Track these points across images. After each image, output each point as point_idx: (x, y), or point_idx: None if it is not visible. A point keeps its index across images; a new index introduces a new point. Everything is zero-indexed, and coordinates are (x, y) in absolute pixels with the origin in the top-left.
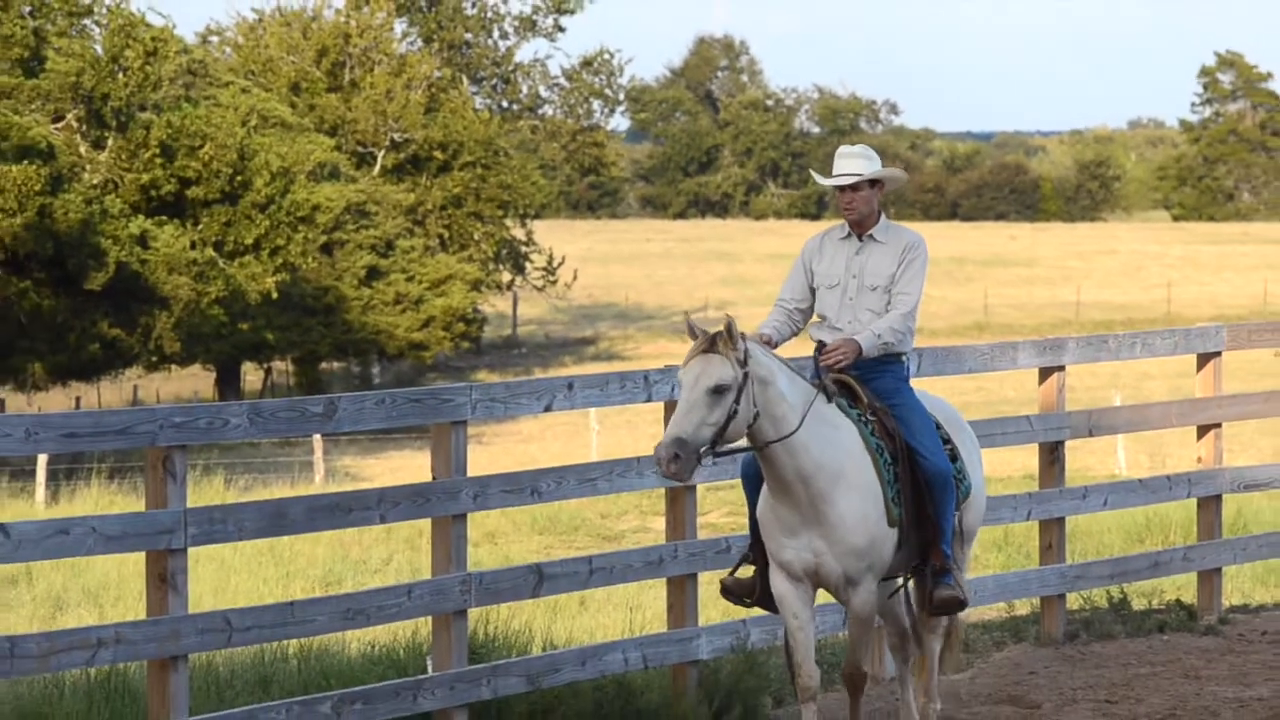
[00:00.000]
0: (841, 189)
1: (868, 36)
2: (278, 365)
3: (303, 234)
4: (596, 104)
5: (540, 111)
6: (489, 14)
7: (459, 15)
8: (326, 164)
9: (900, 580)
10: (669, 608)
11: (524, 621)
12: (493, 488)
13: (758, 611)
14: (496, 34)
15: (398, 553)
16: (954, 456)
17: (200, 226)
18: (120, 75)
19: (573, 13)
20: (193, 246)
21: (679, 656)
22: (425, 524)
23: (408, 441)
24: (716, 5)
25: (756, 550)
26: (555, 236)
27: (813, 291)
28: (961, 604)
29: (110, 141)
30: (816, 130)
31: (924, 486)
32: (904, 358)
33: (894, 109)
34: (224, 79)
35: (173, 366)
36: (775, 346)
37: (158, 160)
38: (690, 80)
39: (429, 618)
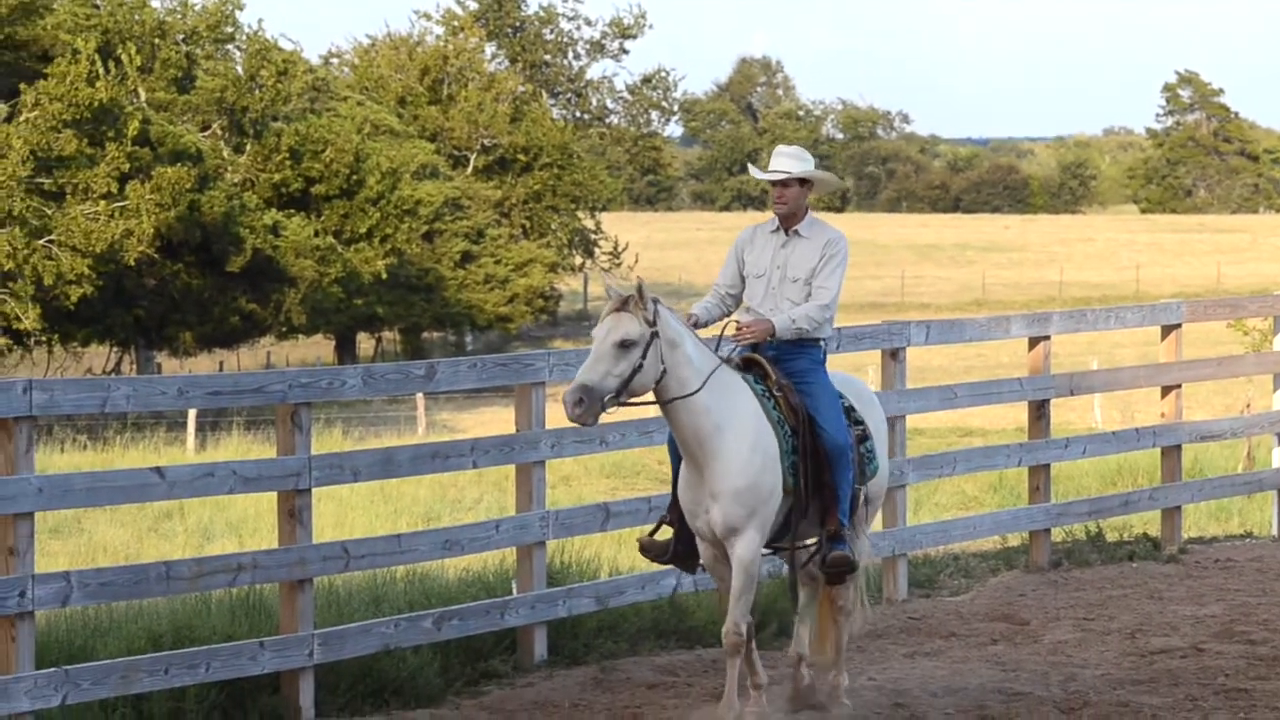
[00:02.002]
0: (774, 184)
1: (884, 56)
2: (387, 335)
3: (408, 224)
4: (654, 114)
5: (607, 121)
6: (565, 38)
7: (539, 40)
8: (428, 165)
9: (811, 542)
10: None
11: (594, 552)
12: (567, 438)
13: None
14: (571, 55)
15: (487, 493)
16: (865, 436)
17: (322, 218)
18: (257, 91)
19: (635, 37)
20: (316, 235)
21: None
22: (510, 469)
23: (495, 399)
24: (756, 31)
25: (674, 514)
26: (619, 226)
27: (744, 279)
28: (852, 565)
29: (248, 147)
30: (840, 137)
31: (824, 458)
32: (821, 343)
33: (906, 118)
34: (342, 94)
35: (299, 336)
36: (702, 326)
37: (287, 163)
38: (734, 94)
39: (514, 548)
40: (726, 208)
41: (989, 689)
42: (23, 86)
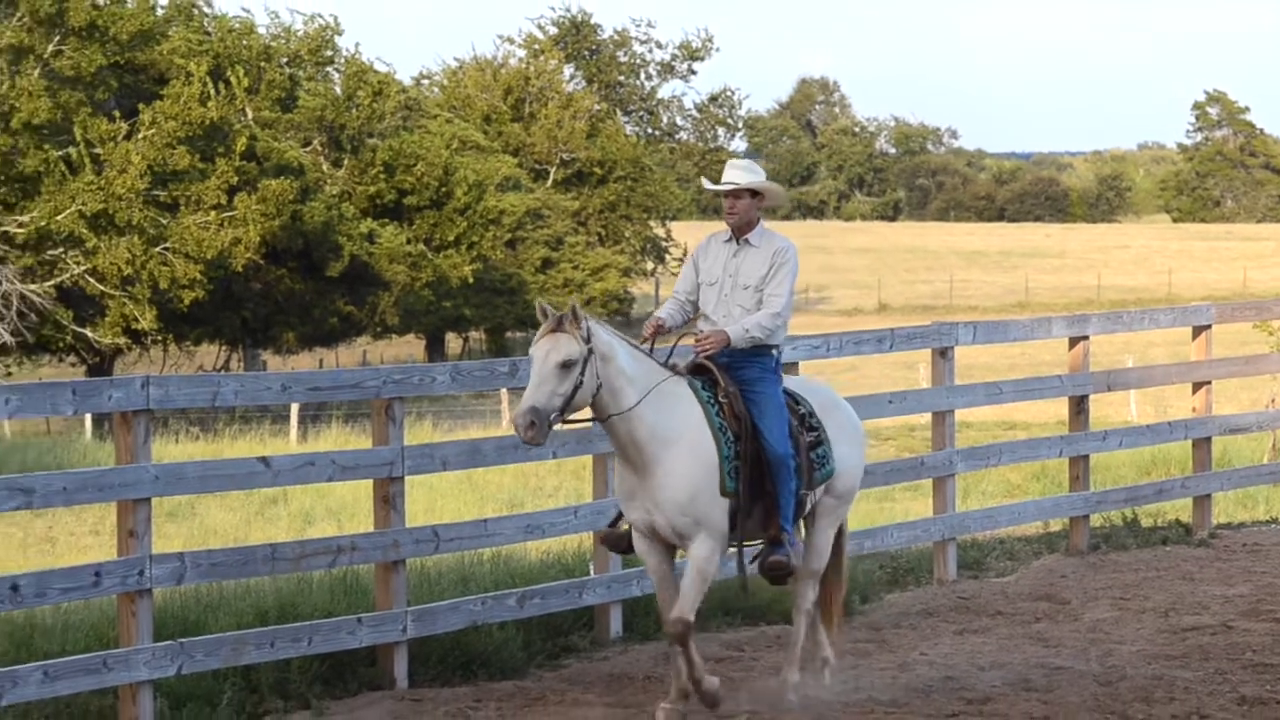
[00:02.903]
0: (725, 195)
1: (934, 76)
2: (473, 334)
3: (492, 232)
4: (720, 131)
5: (677, 136)
6: (637, 60)
7: (614, 61)
8: (511, 178)
9: (761, 545)
10: None
11: None
12: None
13: (851, 525)
14: (643, 76)
15: (565, 482)
16: (818, 442)
17: (414, 226)
18: (354, 110)
19: (702, 59)
20: (408, 242)
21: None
22: (587, 459)
23: None
24: (815, 53)
25: None
26: (688, 234)
27: (699, 286)
28: (790, 570)
29: (346, 161)
30: (893, 151)
31: (765, 465)
32: (773, 351)
33: (954, 134)
34: (432, 112)
35: (392, 335)
36: (668, 330)
37: (382, 176)
38: (794, 112)
39: (590, 532)
40: (787, 217)
41: (1032, 663)
42: (141, 106)
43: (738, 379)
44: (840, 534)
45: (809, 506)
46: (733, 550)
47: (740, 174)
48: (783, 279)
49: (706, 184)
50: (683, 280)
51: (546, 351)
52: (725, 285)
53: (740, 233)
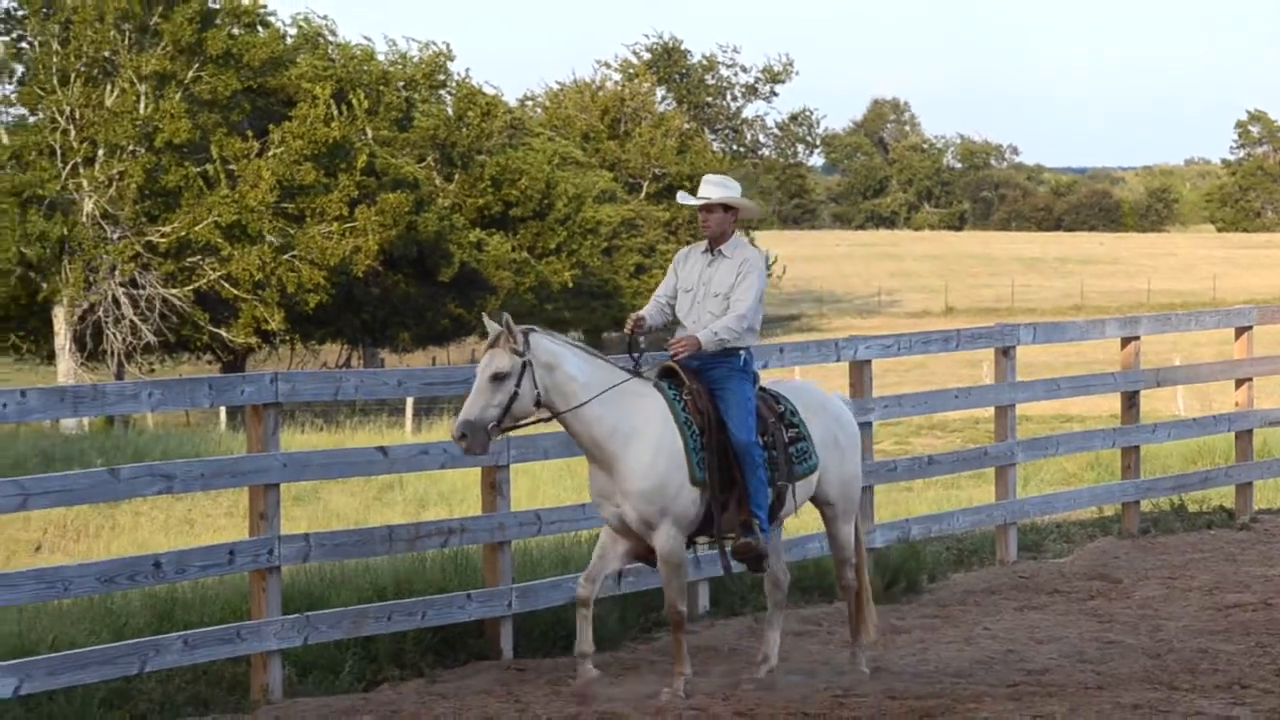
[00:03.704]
0: (700, 209)
1: (996, 97)
2: (572, 335)
3: (590, 241)
4: (800, 147)
5: (759, 153)
6: (724, 83)
7: (702, 84)
8: (607, 191)
9: (737, 534)
10: None
11: None
12: None
13: (920, 510)
14: (729, 97)
15: None
16: (798, 438)
17: (518, 236)
18: (464, 130)
19: (783, 81)
20: (513, 250)
21: None
22: None
23: None
24: (887, 76)
25: None
26: (769, 242)
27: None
28: (759, 554)
29: (456, 176)
30: (959, 166)
31: (731, 455)
32: (741, 352)
33: (1015, 150)
34: (536, 131)
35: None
36: (649, 327)
37: (489, 189)
38: (867, 130)
39: None
40: (861, 227)
41: (1087, 637)
42: (272, 127)
43: (706, 378)
44: (857, 524)
45: (792, 501)
46: (704, 542)
47: (714, 189)
48: (748, 286)
49: (682, 198)
50: (664, 284)
51: (483, 367)
52: (698, 293)
53: (715, 244)
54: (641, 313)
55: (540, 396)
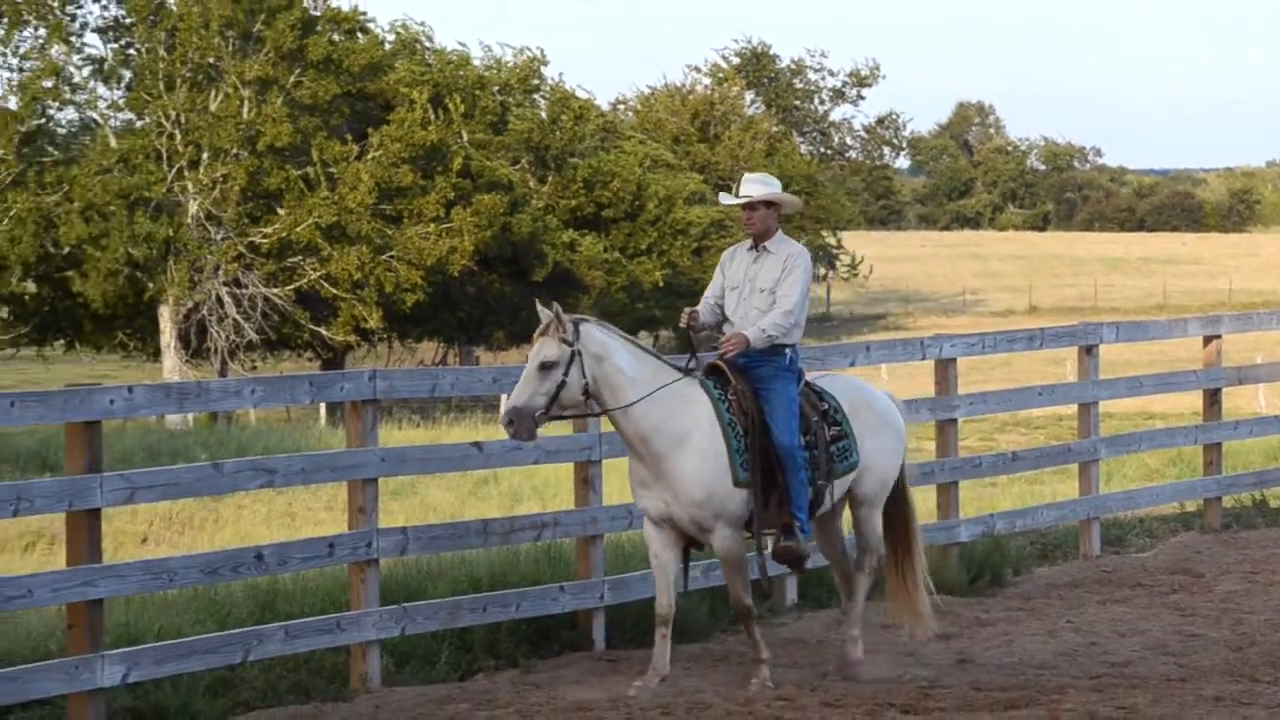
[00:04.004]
0: (743, 208)
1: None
2: (663, 334)
3: (680, 242)
4: (886, 150)
5: (847, 155)
6: (812, 87)
7: (790, 88)
8: (697, 193)
9: (778, 536)
10: (938, 505)
11: None
12: None
13: (1004, 505)
14: (817, 101)
15: None
16: (841, 436)
17: (610, 236)
18: (557, 132)
19: (870, 85)
20: (605, 251)
21: (945, 539)
22: None
23: None
24: (972, 80)
25: None
26: (856, 243)
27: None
28: (799, 556)
29: (550, 178)
30: (1042, 168)
31: (774, 458)
32: (787, 350)
33: (1098, 152)
34: (627, 134)
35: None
36: (701, 325)
37: (582, 191)
38: (953, 132)
39: None
40: (947, 228)
41: (1169, 630)
42: (370, 130)
43: (752, 377)
44: (910, 518)
45: (830, 498)
46: (750, 539)
47: (756, 187)
48: (794, 281)
49: (724, 198)
50: (713, 284)
51: (533, 355)
52: (744, 289)
53: (759, 241)
54: (695, 309)
55: (588, 386)
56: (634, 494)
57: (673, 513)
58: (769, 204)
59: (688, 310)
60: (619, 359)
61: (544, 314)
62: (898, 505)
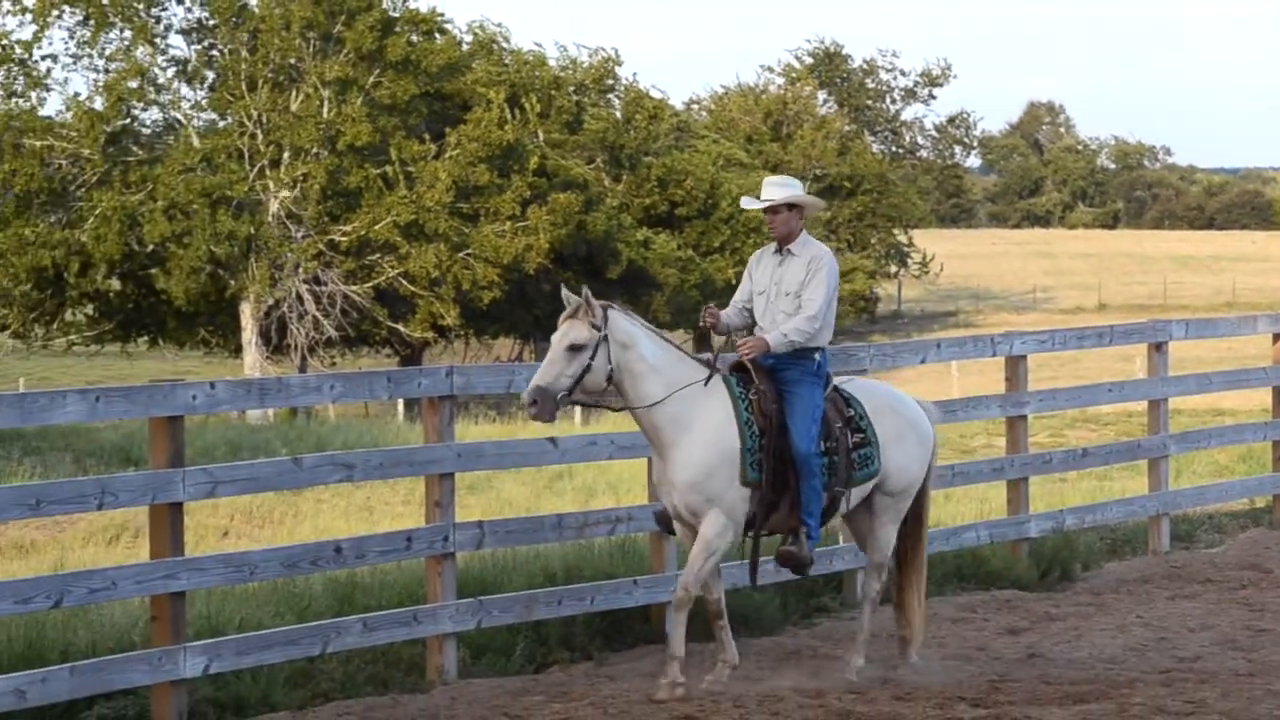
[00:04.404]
0: (765, 212)
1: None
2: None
3: (753, 240)
4: (957, 149)
5: (918, 154)
6: (883, 87)
7: (862, 88)
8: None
9: (784, 539)
10: (1008, 501)
11: None
12: None
13: (1074, 501)
14: (888, 100)
15: None
16: (864, 444)
17: (684, 234)
18: (631, 132)
19: (941, 85)
20: (678, 248)
21: (1015, 535)
22: None
23: None
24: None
25: None
26: (927, 241)
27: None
28: (801, 562)
29: (624, 177)
30: (1112, 166)
31: (789, 462)
32: (815, 354)
33: (1168, 151)
34: (701, 133)
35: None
36: (724, 328)
37: (656, 190)
38: (1023, 132)
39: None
40: (1017, 226)
41: (1238, 625)
42: (448, 130)
43: (778, 379)
44: (921, 528)
45: (845, 505)
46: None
47: (777, 190)
48: (818, 284)
49: (745, 202)
50: (741, 288)
51: (560, 336)
52: (770, 293)
53: (784, 244)
54: (722, 312)
55: (612, 373)
56: (657, 491)
57: (673, 500)
58: (791, 206)
59: (708, 309)
60: (643, 348)
61: (571, 298)
62: (913, 511)
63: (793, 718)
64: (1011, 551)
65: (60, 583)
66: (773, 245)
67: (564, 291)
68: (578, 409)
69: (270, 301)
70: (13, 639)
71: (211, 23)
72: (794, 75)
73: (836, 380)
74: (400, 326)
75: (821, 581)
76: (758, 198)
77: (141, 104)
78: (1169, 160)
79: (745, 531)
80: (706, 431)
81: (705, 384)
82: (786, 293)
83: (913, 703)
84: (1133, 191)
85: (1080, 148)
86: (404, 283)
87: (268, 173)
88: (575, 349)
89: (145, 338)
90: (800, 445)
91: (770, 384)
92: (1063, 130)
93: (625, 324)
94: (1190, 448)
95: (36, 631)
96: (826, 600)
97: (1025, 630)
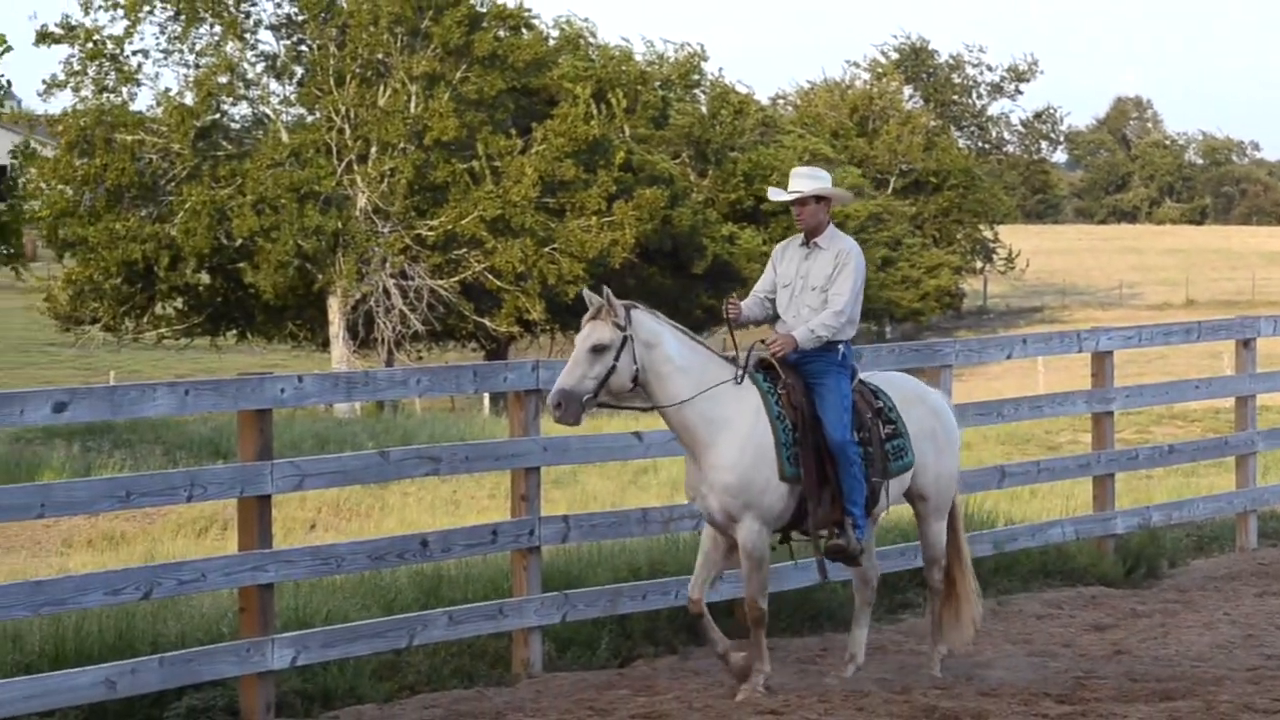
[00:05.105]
0: (793, 204)
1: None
2: None
3: None
4: (1044, 144)
5: (1004, 149)
6: (970, 82)
7: (949, 83)
8: (855, 186)
9: (826, 533)
10: (1094, 497)
11: (991, 505)
12: (969, 411)
13: (1160, 498)
14: (975, 95)
15: None
16: (895, 435)
17: (769, 229)
18: (717, 127)
19: (1028, 80)
20: (764, 243)
21: (1101, 531)
22: None
23: None
24: (1130, 75)
25: None
26: (1013, 236)
27: (776, 288)
28: (851, 554)
29: (710, 172)
30: (1200, 162)
31: (825, 453)
32: (840, 346)
33: (1256, 146)
34: (786, 128)
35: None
36: (745, 320)
37: (741, 184)
38: (1110, 127)
39: None
40: (1104, 222)
41: None
42: (534, 125)
43: (804, 372)
44: (955, 527)
45: (886, 497)
46: (807, 540)
47: (805, 182)
48: (845, 278)
49: (773, 193)
50: (763, 279)
51: (583, 338)
52: (796, 286)
53: (811, 237)
54: (742, 303)
55: (638, 374)
56: (689, 493)
57: (706, 502)
58: (820, 199)
59: (729, 300)
60: (669, 348)
61: (592, 299)
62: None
63: (878, 713)
64: (1097, 548)
65: (150, 574)
66: (798, 238)
67: (585, 293)
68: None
69: (357, 296)
70: (103, 630)
71: (300, 18)
72: (880, 70)
73: (861, 374)
74: (486, 321)
75: (906, 577)
76: (786, 189)
77: (231, 99)
78: (1257, 155)
79: (789, 530)
80: (740, 430)
81: (739, 381)
82: (813, 287)
83: (998, 699)
84: (1220, 187)
85: (1168, 143)
86: (490, 277)
87: (355, 167)
88: (599, 350)
89: (234, 331)
90: (834, 434)
91: (797, 377)
92: (1150, 125)
93: (650, 323)
94: (1278, 444)
95: (127, 623)
96: (911, 595)
97: (1111, 627)
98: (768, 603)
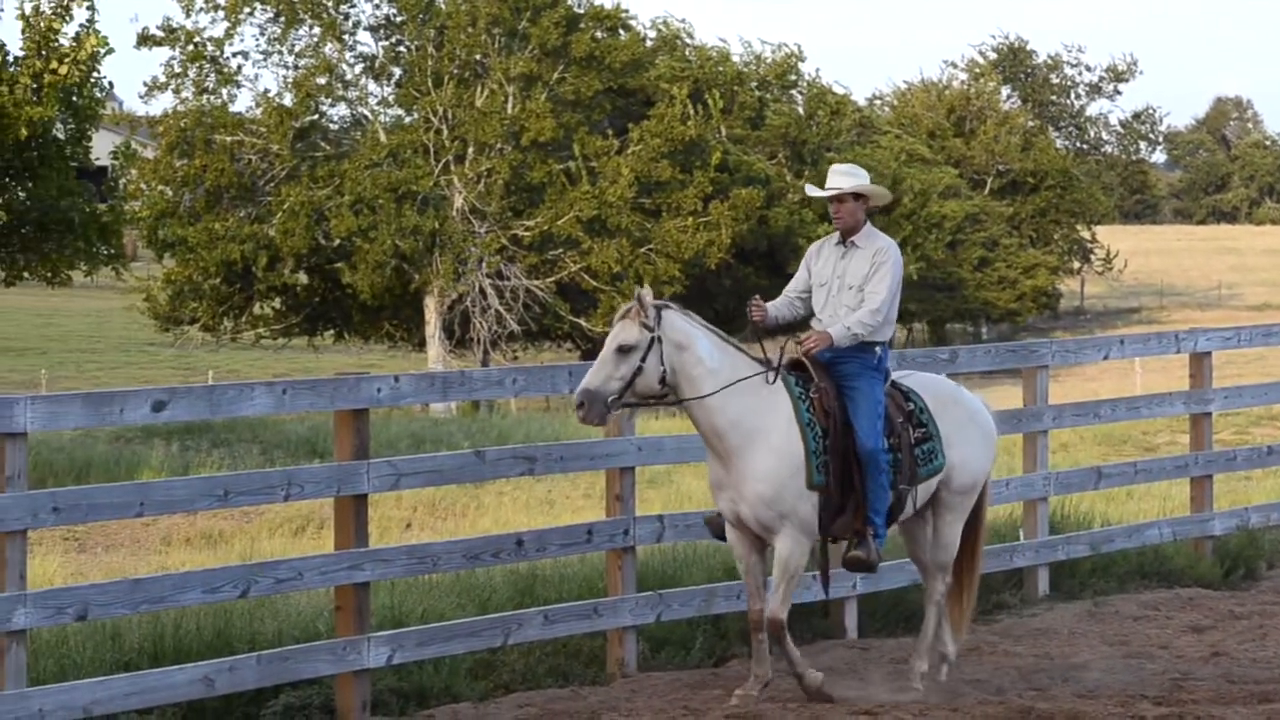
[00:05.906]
0: (830, 201)
1: None
2: (915, 326)
3: (935, 235)
4: (1142, 145)
5: (1102, 150)
6: (1068, 82)
7: (1047, 83)
8: (952, 187)
9: (850, 543)
10: (1191, 498)
11: (1088, 506)
12: (1066, 412)
13: (1259, 499)
14: (1073, 95)
15: (999, 457)
16: (925, 439)
17: None
18: (814, 128)
19: (1127, 80)
20: None
21: (1199, 532)
22: (1018, 437)
23: (1005, 380)
24: (1230, 75)
25: None
26: (1111, 237)
27: (811, 287)
28: (870, 565)
29: (806, 173)
30: None
31: (854, 460)
32: (876, 347)
33: None
34: (883, 129)
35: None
36: (771, 321)
37: None
38: (1210, 127)
39: (1020, 502)
40: (1203, 222)
41: None
42: (631, 126)
43: (837, 374)
44: (978, 531)
45: (912, 504)
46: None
47: (843, 179)
48: (882, 277)
49: (810, 190)
50: (795, 279)
51: (611, 337)
52: (833, 286)
53: (848, 235)
54: (769, 305)
55: (666, 375)
56: (712, 495)
57: (740, 511)
58: (858, 196)
59: (754, 303)
60: (700, 349)
61: (643, 296)
62: (971, 513)
63: (973, 714)
64: (1195, 549)
65: (247, 573)
66: (834, 236)
67: (638, 290)
68: None
69: (454, 296)
70: (201, 628)
71: (399, 19)
72: (978, 71)
73: (894, 375)
74: (582, 321)
75: (1001, 578)
76: (823, 187)
77: (329, 100)
78: None
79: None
80: (772, 439)
81: (770, 382)
82: (850, 286)
83: (1095, 700)
84: None
85: (1268, 143)
86: (586, 277)
87: (452, 168)
88: (625, 350)
89: (331, 331)
90: (866, 442)
91: (830, 380)
92: (1250, 126)
93: (682, 324)
94: None
95: (224, 620)
96: (1006, 597)
97: (1209, 629)
98: (786, 614)
